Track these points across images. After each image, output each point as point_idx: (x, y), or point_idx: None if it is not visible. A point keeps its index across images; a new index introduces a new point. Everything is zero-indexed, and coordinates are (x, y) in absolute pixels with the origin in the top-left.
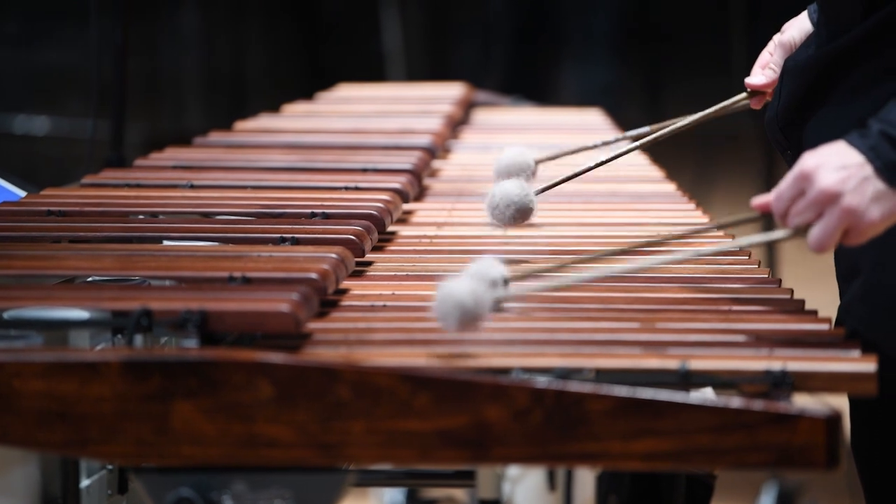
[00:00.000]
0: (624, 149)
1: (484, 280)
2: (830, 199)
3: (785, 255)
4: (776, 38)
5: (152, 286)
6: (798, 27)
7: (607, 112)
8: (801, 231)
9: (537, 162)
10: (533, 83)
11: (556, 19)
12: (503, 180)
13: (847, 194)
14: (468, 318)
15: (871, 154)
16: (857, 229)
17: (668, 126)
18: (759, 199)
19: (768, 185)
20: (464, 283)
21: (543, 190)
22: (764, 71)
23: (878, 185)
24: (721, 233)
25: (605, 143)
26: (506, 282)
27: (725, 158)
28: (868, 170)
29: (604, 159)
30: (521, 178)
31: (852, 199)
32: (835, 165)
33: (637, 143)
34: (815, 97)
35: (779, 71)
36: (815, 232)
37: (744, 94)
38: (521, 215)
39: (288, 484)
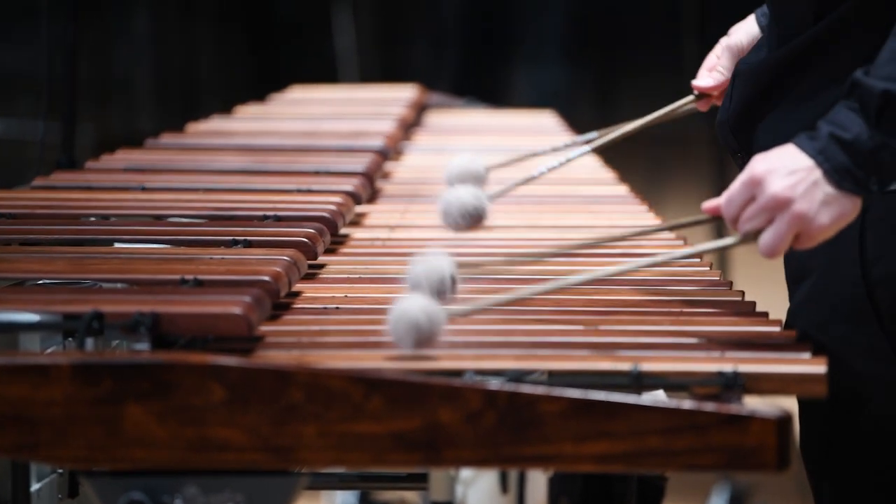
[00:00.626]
0: (574, 153)
1: (430, 282)
2: (781, 206)
3: (736, 257)
4: (723, 41)
5: (104, 289)
6: (745, 31)
7: (560, 114)
8: (751, 237)
9: (488, 169)
10: (486, 85)
11: (508, 21)
12: (456, 185)
13: (797, 200)
14: (423, 338)
15: (820, 157)
16: (808, 234)
17: (616, 131)
18: (710, 204)
19: (719, 185)
20: (416, 304)
21: (496, 195)
22: (711, 74)
23: (827, 188)
24: (672, 234)
25: (555, 150)
26: (454, 276)
27: (676, 159)
28: (817, 174)
29: (555, 164)
30: (474, 185)
31: (802, 204)
32: (785, 170)
33: (586, 148)
34: (767, 100)
35: (726, 74)
36: (767, 238)
37: (691, 97)
38: (474, 220)
39: (240, 487)
